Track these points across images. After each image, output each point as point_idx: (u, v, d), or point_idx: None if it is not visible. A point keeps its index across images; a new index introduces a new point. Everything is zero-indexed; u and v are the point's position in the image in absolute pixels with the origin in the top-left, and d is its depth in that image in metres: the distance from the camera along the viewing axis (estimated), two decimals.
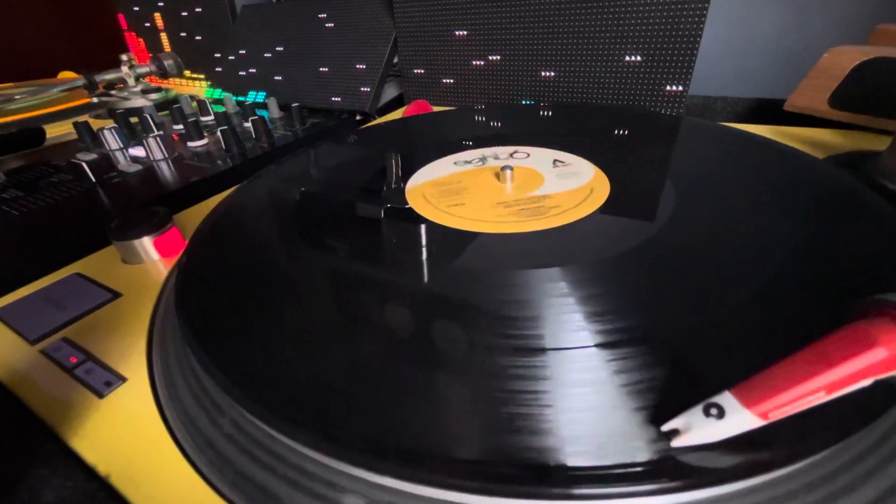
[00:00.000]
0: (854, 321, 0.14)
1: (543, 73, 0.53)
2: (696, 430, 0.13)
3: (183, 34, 0.90)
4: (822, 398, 0.12)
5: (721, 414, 0.13)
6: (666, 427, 0.13)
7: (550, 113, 0.49)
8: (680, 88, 0.45)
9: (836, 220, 0.24)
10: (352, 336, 0.20)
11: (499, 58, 0.55)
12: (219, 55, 0.83)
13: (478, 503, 0.13)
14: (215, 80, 0.79)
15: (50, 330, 0.25)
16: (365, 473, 0.14)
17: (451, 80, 0.60)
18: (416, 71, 0.62)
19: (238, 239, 0.29)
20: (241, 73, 0.76)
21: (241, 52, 0.77)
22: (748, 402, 0.13)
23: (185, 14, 0.88)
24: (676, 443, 0.13)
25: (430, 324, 0.20)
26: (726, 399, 0.13)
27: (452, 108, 0.60)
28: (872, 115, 0.39)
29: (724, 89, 0.56)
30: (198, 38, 0.87)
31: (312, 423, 0.15)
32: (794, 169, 0.30)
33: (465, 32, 0.56)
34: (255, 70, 0.74)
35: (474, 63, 0.57)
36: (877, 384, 0.13)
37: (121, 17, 1.01)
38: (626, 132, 0.41)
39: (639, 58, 0.46)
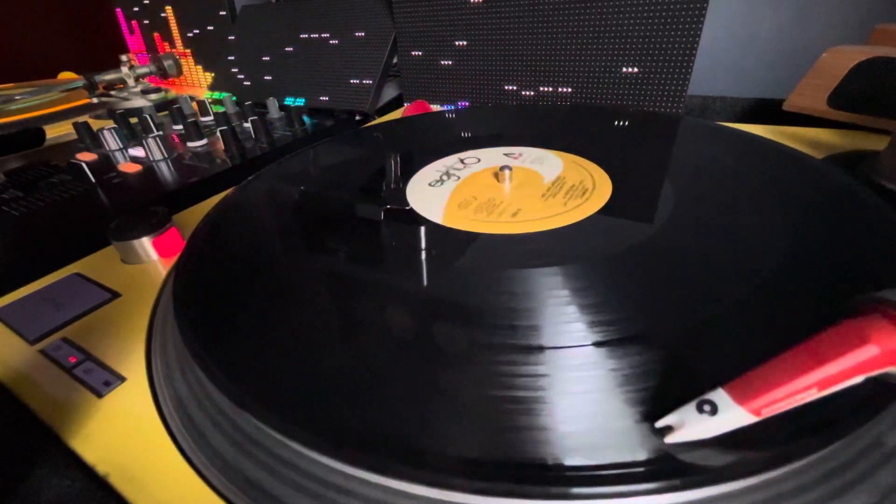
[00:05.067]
0: (847, 318, 0.14)
1: (542, 74, 0.53)
2: (689, 426, 0.13)
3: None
4: (814, 395, 0.13)
5: (714, 410, 0.13)
6: (660, 423, 0.14)
7: (546, 113, 0.49)
8: (678, 96, 0.45)
9: (834, 220, 0.24)
10: (351, 336, 0.20)
11: (499, 58, 0.55)
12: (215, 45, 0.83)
13: (476, 503, 0.14)
14: (214, 81, 0.79)
15: (49, 330, 0.25)
16: (364, 473, 0.14)
17: (451, 81, 0.60)
18: (415, 71, 0.62)
19: (237, 239, 0.29)
20: (239, 74, 0.76)
21: (240, 52, 0.77)
22: (741, 398, 0.13)
23: (183, 14, 0.88)
24: (670, 439, 0.13)
25: (433, 324, 0.20)
26: (719, 396, 0.13)
27: (451, 107, 0.60)
28: (871, 115, 0.39)
29: (723, 89, 0.56)
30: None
31: (312, 424, 0.15)
32: (792, 169, 0.30)
33: (465, 34, 0.56)
34: (254, 70, 0.74)
35: (474, 63, 0.57)
36: (870, 382, 0.13)
37: (119, 12, 1.01)
38: (624, 131, 0.41)
39: (635, 66, 0.46)
